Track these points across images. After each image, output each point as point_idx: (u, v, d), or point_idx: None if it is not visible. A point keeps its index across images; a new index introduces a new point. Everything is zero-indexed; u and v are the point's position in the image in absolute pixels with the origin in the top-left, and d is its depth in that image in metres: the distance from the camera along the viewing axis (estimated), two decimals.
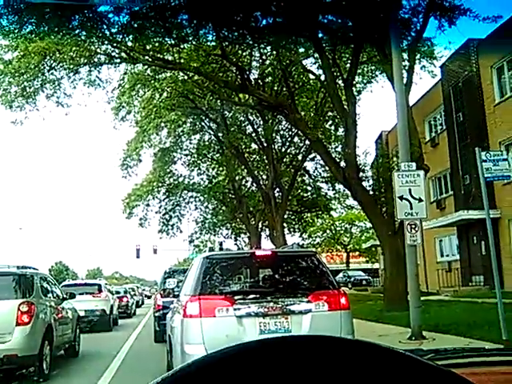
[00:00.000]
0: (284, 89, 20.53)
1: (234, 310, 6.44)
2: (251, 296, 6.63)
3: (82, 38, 16.16)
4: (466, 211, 22.12)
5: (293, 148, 30.79)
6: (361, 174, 17.37)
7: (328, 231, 51.39)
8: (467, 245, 23.98)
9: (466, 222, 22.73)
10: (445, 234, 26.18)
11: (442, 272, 25.13)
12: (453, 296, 20.98)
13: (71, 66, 20.11)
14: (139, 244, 43.73)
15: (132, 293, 31.50)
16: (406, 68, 13.64)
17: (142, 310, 31.84)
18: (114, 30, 15.64)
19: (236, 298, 6.53)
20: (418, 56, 14.56)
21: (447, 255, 27.16)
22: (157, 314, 13.23)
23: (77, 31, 15.01)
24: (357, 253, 53.36)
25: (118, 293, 25.25)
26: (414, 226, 10.67)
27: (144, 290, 53.26)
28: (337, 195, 33.60)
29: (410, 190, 10.54)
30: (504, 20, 16.46)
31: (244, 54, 18.39)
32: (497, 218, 20.79)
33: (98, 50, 19.12)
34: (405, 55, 13.84)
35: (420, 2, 13.86)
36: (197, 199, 36.02)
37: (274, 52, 16.69)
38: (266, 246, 30.55)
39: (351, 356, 0.87)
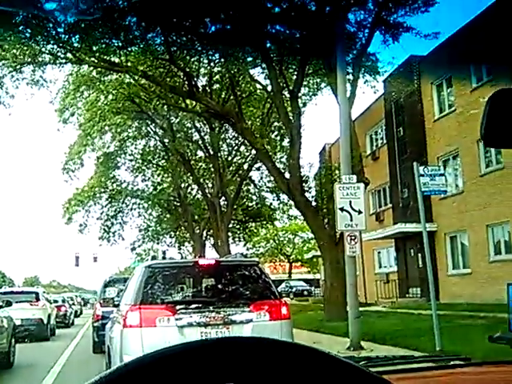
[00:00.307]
0: (231, 97, 20.62)
1: (176, 319, 6.38)
2: (193, 305, 6.59)
3: (27, 35, 15.69)
4: (404, 224, 22.79)
5: (239, 157, 30.90)
6: (304, 184, 17.62)
7: (271, 241, 51.74)
8: (404, 257, 24.70)
9: (403, 234, 23.41)
10: (383, 245, 26.86)
11: (380, 283, 25.76)
12: (390, 307, 21.53)
13: (14, 65, 19.48)
14: (78, 252, 42.63)
15: (71, 302, 30.61)
16: (350, 81, 13.98)
17: (80, 320, 30.95)
18: (60, 30, 15.29)
19: (178, 307, 6.48)
20: (361, 70, 14.94)
21: (385, 267, 27.87)
22: (96, 324, 12.89)
23: (20, 28, 14.56)
24: (299, 263, 53.96)
25: (55, 302, 24.49)
26: (353, 238, 10.91)
27: (83, 299, 51.84)
28: (281, 205, 33.92)
29: (350, 202, 10.78)
30: (444, 38, 17.21)
31: (192, 59, 18.34)
32: (433, 231, 21.53)
33: (43, 49, 18.60)
34: (349, 69, 14.19)
35: (365, 17, 14.28)
36: (140, 206, 35.41)
37: (222, 59, 16.75)
38: (211, 255, 30.43)
39: (288, 358, 0.89)
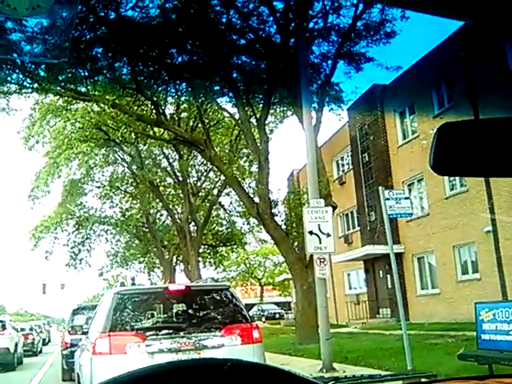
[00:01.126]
0: (199, 125, 20.80)
1: (146, 346, 6.38)
2: (164, 332, 6.61)
3: None
4: (372, 246, 23.14)
5: (208, 183, 30.99)
6: (274, 209, 17.79)
7: (242, 265, 51.62)
8: (374, 278, 24.99)
9: (372, 256, 23.74)
10: (353, 267, 27.13)
11: (351, 304, 25.95)
12: (361, 328, 21.68)
13: None
14: (45, 279, 41.80)
15: (38, 330, 29.99)
16: (316, 110, 14.34)
17: (48, 348, 30.29)
18: (25, 59, 15.27)
19: (148, 333, 6.48)
20: (326, 99, 15.36)
21: (355, 288, 28.10)
22: (64, 352, 12.71)
23: None
24: (270, 286, 53.86)
25: (22, 330, 24.01)
26: (322, 260, 11.07)
27: (51, 326, 50.62)
28: (251, 229, 33.99)
29: (319, 225, 10.97)
30: (404, 70, 17.82)
31: (159, 89, 18.49)
32: (401, 252, 21.91)
33: (8, 79, 18.50)
34: (314, 97, 14.57)
35: (329, 49, 14.74)
36: (108, 232, 35.07)
37: (190, 89, 16.97)
38: (181, 280, 30.21)
39: (259, 379, 0.98)
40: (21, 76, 17.97)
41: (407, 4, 1.15)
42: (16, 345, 18.41)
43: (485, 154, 1.25)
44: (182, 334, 6.61)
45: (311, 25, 14.74)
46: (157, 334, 6.52)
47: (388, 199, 10.71)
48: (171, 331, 6.64)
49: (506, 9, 1.06)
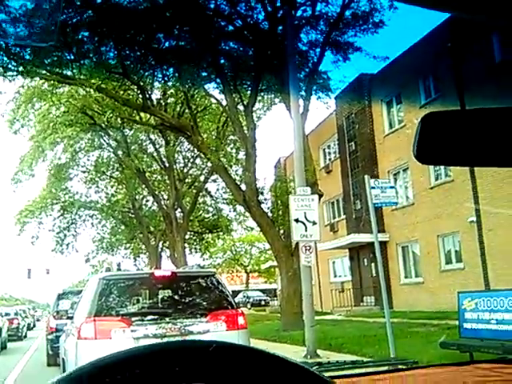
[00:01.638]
0: (186, 111, 20.69)
1: (131, 331, 6.40)
2: (149, 317, 6.63)
3: None
4: (357, 234, 23.29)
5: (195, 169, 30.92)
6: (260, 196, 17.82)
7: (228, 252, 51.75)
8: (358, 266, 25.20)
9: (357, 244, 23.90)
10: (338, 255, 27.32)
11: (336, 292, 26.14)
12: (346, 316, 21.87)
13: None
14: (31, 264, 41.68)
15: (23, 315, 29.93)
16: (303, 98, 14.34)
17: (33, 333, 30.23)
18: (10, 42, 15.04)
19: (133, 319, 6.50)
20: (314, 87, 15.35)
21: (340, 276, 28.32)
22: (49, 337, 12.72)
23: None
24: (256, 273, 54.10)
25: (7, 314, 23.94)
26: (308, 248, 11.14)
27: (36, 311, 50.49)
28: (237, 217, 34.05)
29: (305, 213, 11.02)
30: (391, 59, 17.84)
31: (146, 74, 18.35)
32: (385, 241, 22.08)
33: None
34: (302, 85, 14.56)
35: (317, 37, 14.71)
36: (94, 217, 34.94)
37: (177, 74, 16.85)
38: (167, 267, 30.24)
39: (244, 361, 0.99)
40: (5, 59, 17.72)
41: None
42: (0, 330, 18.32)
43: (468, 144, 1.27)
44: (167, 319, 6.63)
45: (299, 12, 14.70)
46: (142, 320, 6.53)
47: (373, 188, 10.77)
48: (157, 317, 6.67)
49: (493, 1, 1.07)
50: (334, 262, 28.96)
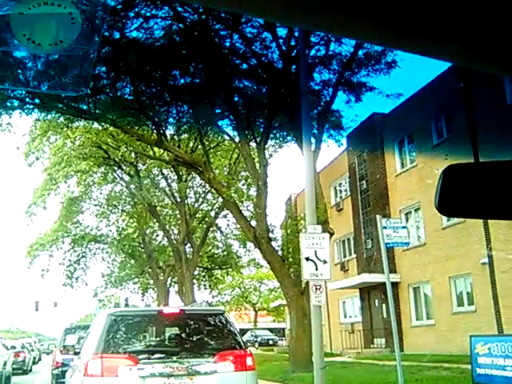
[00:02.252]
0: (199, 147, 20.87)
1: (138, 369, 6.31)
2: (156, 355, 6.54)
3: None
4: (368, 274, 23.04)
5: (206, 204, 30.99)
6: (270, 234, 17.75)
7: (237, 289, 51.30)
8: (369, 307, 24.83)
9: (368, 284, 23.61)
10: (348, 295, 26.98)
11: (346, 333, 25.74)
12: (356, 358, 21.47)
13: None
14: (39, 297, 41.57)
15: (29, 348, 29.68)
16: (315, 136, 14.42)
17: (39, 367, 29.93)
18: (29, 76, 15.34)
19: (140, 357, 6.41)
20: (326, 126, 15.46)
21: (350, 316, 27.90)
22: (55, 372, 12.60)
23: None
24: (265, 312, 53.46)
25: (13, 348, 23.72)
26: (318, 287, 11.01)
27: (42, 345, 50.09)
28: (247, 253, 33.90)
29: (315, 251, 10.93)
30: (403, 99, 17.98)
31: (161, 109, 18.62)
32: (397, 282, 21.81)
33: (11, 94, 18.60)
34: (314, 124, 14.66)
35: (330, 77, 14.89)
36: (104, 251, 34.95)
37: (191, 110, 17.09)
38: (175, 302, 30.03)
39: None
40: (23, 92, 18.07)
41: (405, 46, 1.16)
42: (5, 363, 18.07)
43: (489, 196, 1.26)
44: (174, 358, 6.54)
45: (313, 52, 14.92)
46: (149, 358, 6.45)
47: (385, 227, 10.73)
48: (164, 355, 6.58)
49: (503, 46, 1.07)
50: (344, 302, 28.58)
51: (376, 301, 23.96)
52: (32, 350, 31.43)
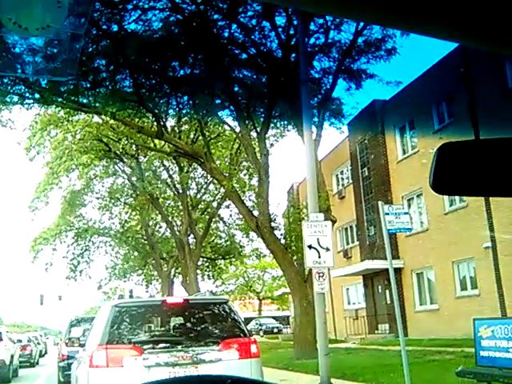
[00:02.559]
0: (200, 138, 20.86)
1: (143, 359, 6.35)
2: (161, 345, 6.58)
3: None
4: (371, 261, 23.08)
5: (208, 195, 31.01)
6: (273, 223, 17.78)
7: (241, 278, 51.48)
8: (373, 293, 24.90)
9: (371, 271, 23.66)
10: (352, 282, 27.05)
11: (350, 320, 25.83)
12: (360, 344, 21.57)
13: None
14: (43, 290, 41.81)
15: (36, 341, 29.93)
16: (316, 124, 14.40)
17: (45, 360, 30.18)
18: (28, 71, 15.31)
19: (145, 347, 6.45)
20: (327, 114, 15.43)
21: (354, 303, 28.00)
22: (61, 364, 12.70)
23: None
24: (269, 300, 53.67)
25: (19, 341, 23.95)
26: (321, 275, 11.04)
27: (48, 338, 50.45)
28: (250, 242, 33.97)
29: (318, 239, 10.95)
30: (404, 85, 17.91)
31: (161, 101, 18.59)
32: (400, 268, 21.85)
33: (10, 89, 18.57)
34: (315, 112, 14.63)
35: (330, 65, 14.83)
36: (107, 244, 35.06)
37: (191, 101, 17.06)
38: (179, 293, 30.15)
39: None
40: (22, 87, 18.04)
41: (407, 26, 1.16)
42: (12, 357, 18.22)
43: (484, 174, 1.27)
44: (179, 347, 6.57)
45: (312, 40, 14.86)
46: (154, 348, 6.49)
47: (387, 214, 10.72)
48: (169, 345, 6.62)
49: (505, 28, 1.07)
50: (347, 289, 28.66)
51: (379, 287, 24.02)
52: (38, 344, 31.68)
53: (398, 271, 20.45)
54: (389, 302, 21.92)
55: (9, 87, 17.60)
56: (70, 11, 1.50)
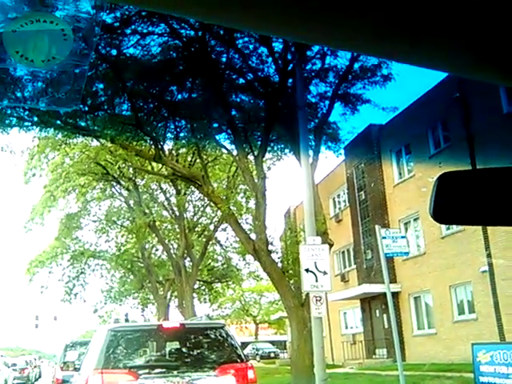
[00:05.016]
0: (197, 161, 20.92)
1: None
2: (157, 370, 6.52)
3: None
4: (369, 285, 22.99)
5: (205, 218, 30.97)
6: (270, 246, 17.73)
7: (238, 302, 51.09)
8: (370, 318, 24.76)
9: (368, 295, 23.56)
10: (349, 306, 26.90)
11: (347, 344, 25.61)
12: (358, 369, 21.37)
13: None
14: (38, 314, 41.37)
15: (32, 365, 29.72)
16: (313, 148, 14.47)
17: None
18: (26, 94, 15.43)
19: (141, 372, 6.40)
20: (323, 138, 15.53)
21: (351, 327, 27.80)
22: None
23: None
24: (266, 324, 53.20)
25: (14, 365, 23.78)
26: (319, 299, 11.00)
27: (42, 362, 49.85)
28: (247, 266, 33.82)
29: (315, 263, 10.94)
30: (400, 110, 18.09)
31: (159, 125, 18.70)
32: (397, 291, 21.77)
33: (9, 112, 18.66)
34: (311, 136, 14.72)
35: (326, 90, 14.98)
36: (103, 267, 34.87)
37: (189, 125, 17.15)
38: (175, 317, 29.90)
39: None
40: (21, 110, 18.13)
41: (400, 58, 1.19)
42: (5, 381, 18.02)
43: (484, 203, 1.28)
44: (175, 372, 6.52)
45: (309, 65, 15.00)
46: (150, 373, 6.43)
47: (384, 238, 10.75)
48: (164, 370, 6.56)
49: (501, 55, 1.09)
50: (345, 313, 28.49)
51: (377, 311, 23.89)
52: (35, 367, 31.42)
53: (395, 295, 20.37)
54: (386, 327, 21.79)
55: (8, 110, 17.70)
56: (75, 43, 1.54)
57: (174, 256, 29.31)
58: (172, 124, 17.57)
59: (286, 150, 22.51)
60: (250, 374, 6.84)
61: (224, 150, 20.62)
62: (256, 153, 16.07)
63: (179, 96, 15.29)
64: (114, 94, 14.94)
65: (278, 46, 14.47)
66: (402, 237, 11.55)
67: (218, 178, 24.88)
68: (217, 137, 17.62)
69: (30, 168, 25.53)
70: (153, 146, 18.01)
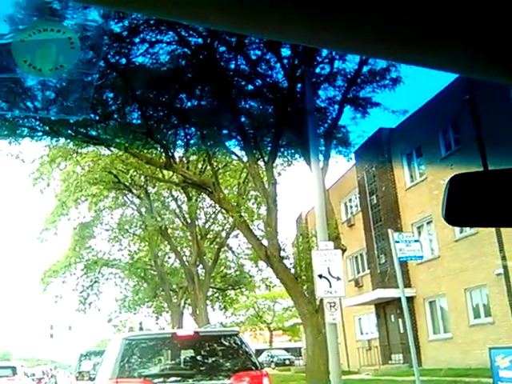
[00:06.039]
0: (208, 168, 20.96)
1: None
2: (172, 378, 6.50)
3: (4, 108, 15.91)
4: (383, 290, 22.82)
5: (216, 225, 30.97)
6: (282, 252, 17.67)
7: (251, 309, 50.93)
8: (385, 323, 24.56)
9: (383, 300, 23.38)
10: (364, 312, 26.71)
11: (362, 350, 25.43)
12: (374, 375, 21.19)
13: None
14: (53, 324, 41.57)
15: (49, 374, 29.98)
16: (323, 152, 14.45)
17: None
18: (37, 104, 15.55)
19: (156, 380, 6.38)
20: (334, 142, 15.50)
21: (367, 333, 27.59)
22: None
23: None
24: (280, 331, 52.97)
25: (33, 375, 24.01)
26: (333, 305, 10.93)
27: (58, 372, 50.07)
28: (260, 272, 33.76)
29: (328, 268, 10.87)
30: (410, 113, 18.01)
31: (169, 132, 18.77)
32: (412, 296, 21.59)
33: (20, 122, 18.83)
34: (322, 141, 14.70)
35: (335, 94, 14.96)
36: (116, 276, 34.97)
37: (199, 132, 17.21)
38: (189, 325, 29.90)
39: None
40: (33, 120, 18.29)
41: (408, 60, 1.17)
42: None
43: (496, 205, 1.26)
44: (190, 381, 6.49)
45: (318, 70, 14.99)
46: (165, 381, 6.41)
47: (398, 242, 10.67)
48: (179, 378, 6.54)
49: (509, 57, 1.07)
50: (359, 319, 28.29)
51: (392, 316, 23.70)
52: (51, 377, 31.67)
53: (410, 300, 20.19)
54: (402, 332, 21.60)
55: (20, 120, 17.86)
56: (83, 51, 1.53)
57: (186, 263, 29.33)
58: (182, 131, 17.63)
59: (296, 156, 22.47)
60: (265, 382, 6.79)
61: (234, 157, 20.64)
62: (266, 159, 16.07)
63: (189, 103, 15.36)
64: (124, 102, 15.03)
65: (285, 51, 14.49)
66: (416, 240, 11.47)
67: (228, 185, 24.89)
68: (227, 143, 17.67)
69: (42, 177, 25.70)
70: (163, 154, 18.08)
